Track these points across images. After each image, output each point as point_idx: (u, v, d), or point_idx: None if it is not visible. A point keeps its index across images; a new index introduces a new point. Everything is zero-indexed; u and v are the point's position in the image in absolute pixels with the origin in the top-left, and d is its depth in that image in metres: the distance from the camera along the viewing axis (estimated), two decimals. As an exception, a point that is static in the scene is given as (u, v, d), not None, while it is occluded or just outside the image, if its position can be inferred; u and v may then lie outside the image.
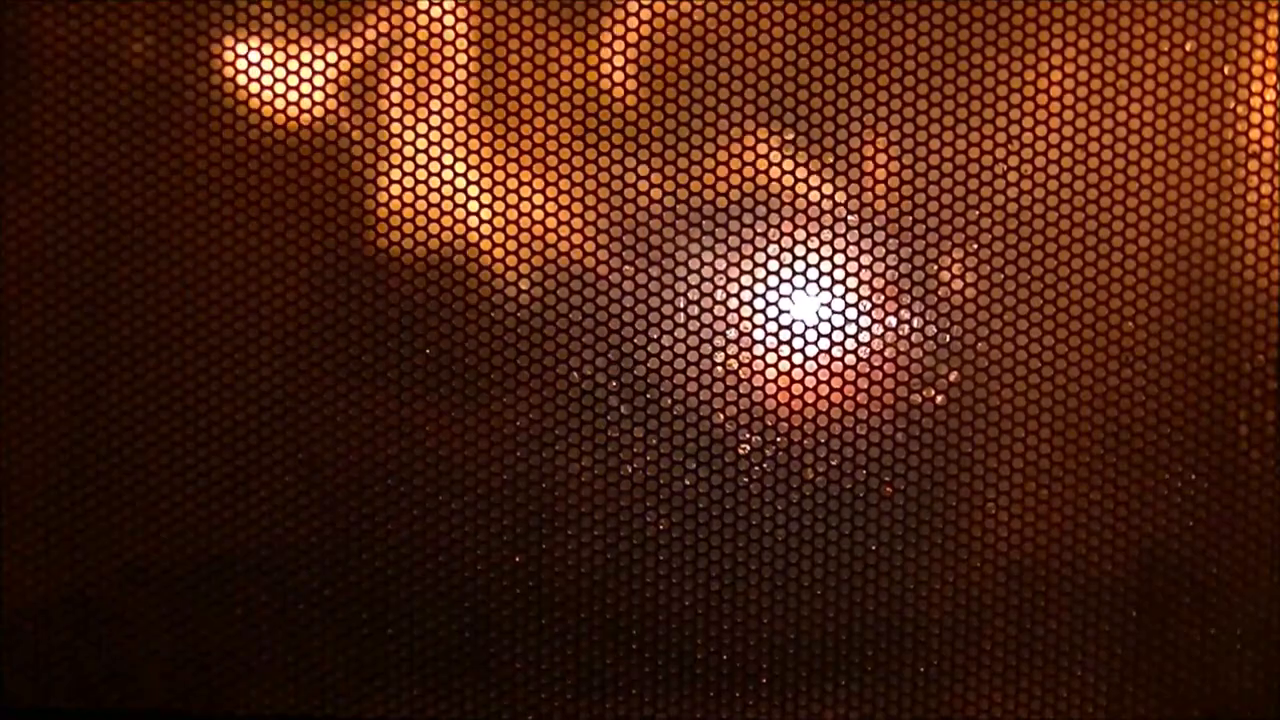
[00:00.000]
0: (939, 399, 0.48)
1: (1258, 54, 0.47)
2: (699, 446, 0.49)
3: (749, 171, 0.48)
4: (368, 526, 0.50)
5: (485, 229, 0.49)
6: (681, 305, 0.48)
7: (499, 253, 0.49)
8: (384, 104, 0.49)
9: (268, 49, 0.49)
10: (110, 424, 0.50)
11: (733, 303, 0.48)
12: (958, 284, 0.48)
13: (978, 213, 0.47)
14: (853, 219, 0.48)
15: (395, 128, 0.49)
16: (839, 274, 0.48)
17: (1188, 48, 0.47)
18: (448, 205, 0.49)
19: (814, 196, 0.48)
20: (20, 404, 0.50)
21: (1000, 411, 0.48)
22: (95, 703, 0.51)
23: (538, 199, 0.48)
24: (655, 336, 0.48)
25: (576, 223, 0.48)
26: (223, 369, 0.49)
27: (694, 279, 0.48)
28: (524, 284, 0.49)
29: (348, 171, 0.49)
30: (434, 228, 0.49)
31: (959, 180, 0.47)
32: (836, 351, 0.48)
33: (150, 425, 0.50)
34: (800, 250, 0.48)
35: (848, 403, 0.48)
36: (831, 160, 0.47)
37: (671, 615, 0.49)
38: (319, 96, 0.49)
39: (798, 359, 0.48)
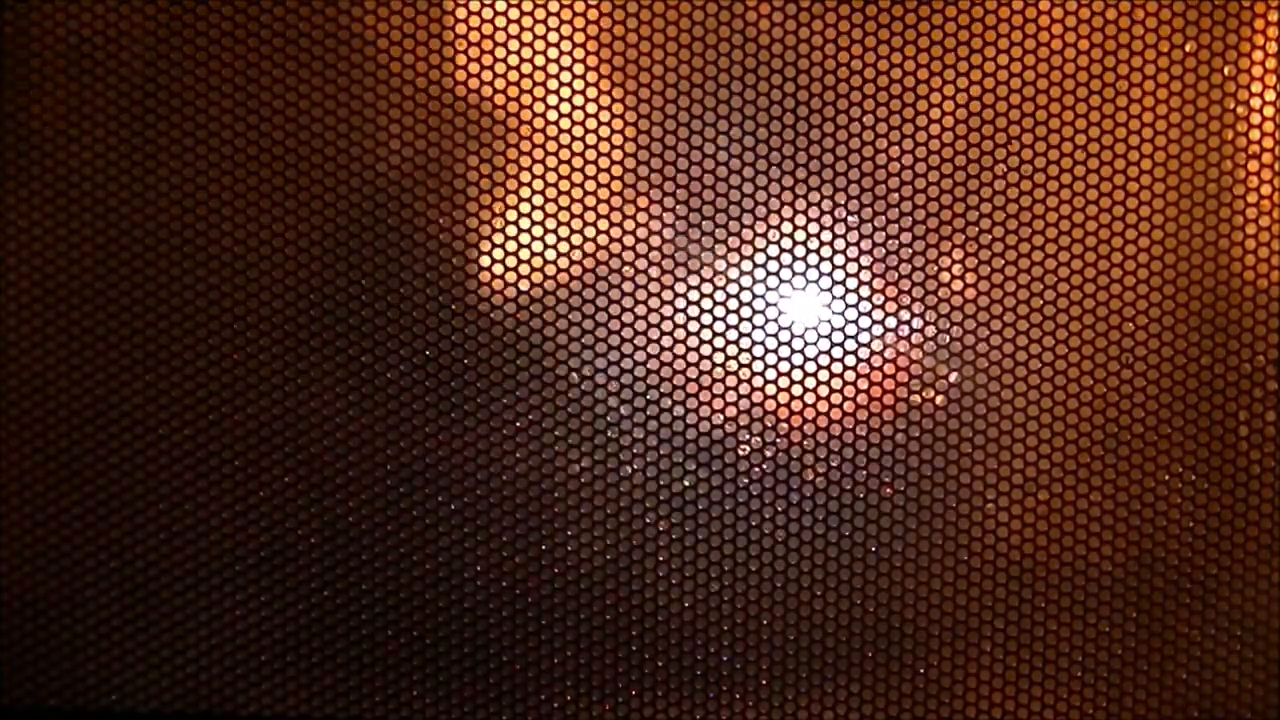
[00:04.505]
0: (939, 399, 0.48)
1: (1258, 54, 0.47)
2: (699, 447, 0.49)
3: (749, 172, 0.48)
4: (367, 526, 0.50)
5: (485, 229, 0.49)
6: (681, 305, 0.48)
7: (499, 253, 0.49)
8: (382, 104, 0.49)
9: (266, 49, 0.49)
10: (110, 424, 0.50)
11: (733, 303, 0.48)
12: (958, 284, 0.48)
13: (978, 213, 0.47)
14: (853, 219, 0.48)
15: (394, 128, 0.49)
16: (839, 274, 0.48)
17: (1188, 48, 0.47)
18: (446, 206, 0.49)
19: (814, 197, 0.48)
20: (19, 404, 0.50)
21: (1000, 412, 0.48)
22: (94, 702, 0.51)
23: (537, 199, 0.48)
24: (655, 337, 0.48)
25: (576, 223, 0.48)
26: (222, 369, 0.49)
27: (694, 279, 0.48)
28: (524, 284, 0.49)
29: (347, 173, 0.49)
30: (433, 228, 0.49)
31: (959, 180, 0.47)
32: (836, 352, 0.48)
33: (150, 425, 0.50)
34: (800, 250, 0.48)
35: (848, 403, 0.48)
36: (831, 161, 0.47)
37: (671, 615, 0.49)
38: (317, 97, 0.49)
39: (797, 359, 0.48)
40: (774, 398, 0.48)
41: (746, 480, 0.49)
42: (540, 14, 0.48)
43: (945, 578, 0.49)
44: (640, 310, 0.48)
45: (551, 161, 0.48)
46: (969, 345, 0.48)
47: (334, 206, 0.49)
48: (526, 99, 0.48)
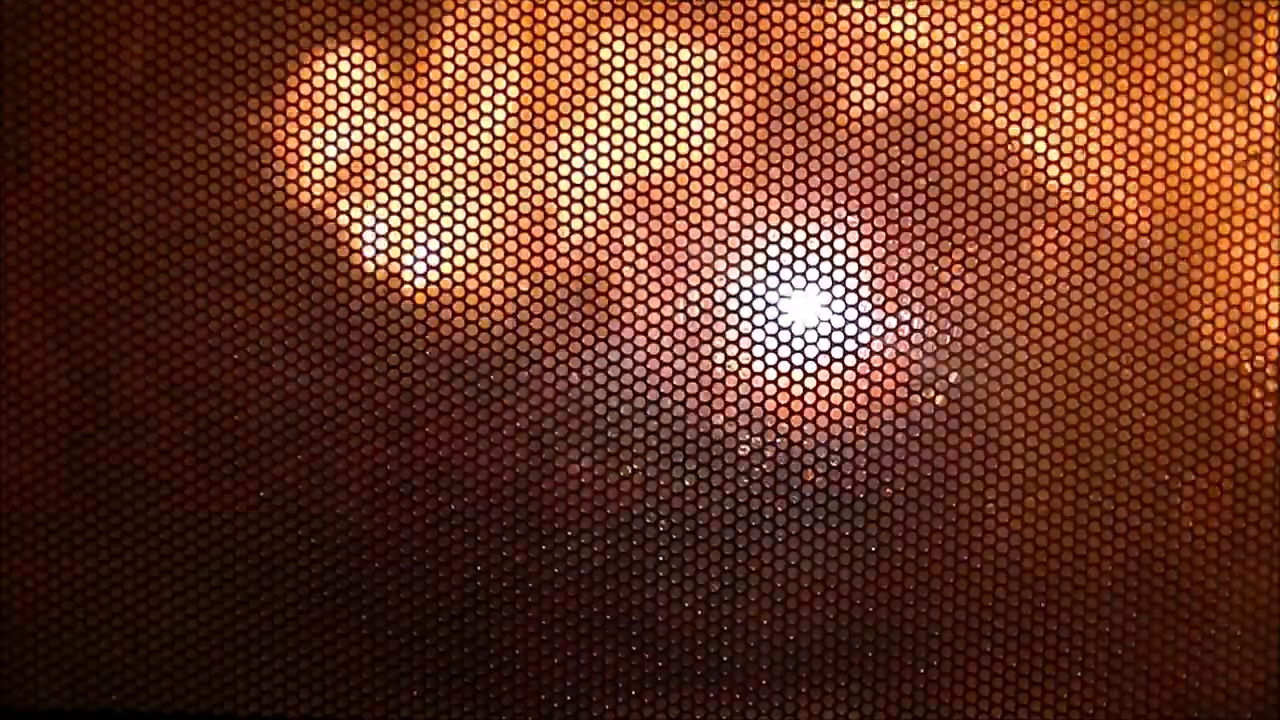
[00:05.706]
0: (939, 399, 0.48)
1: (1258, 54, 0.47)
2: (699, 447, 0.49)
3: (749, 172, 0.48)
4: (368, 527, 0.50)
5: (484, 229, 0.49)
6: (681, 305, 0.48)
7: (498, 253, 0.49)
8: (382, 105, 0.49)
9: (267, 50, 0.49)
10: (110, 424, 0.50)
11: (733, 303, 0.48)
12: (958, 284, 0.48)
13: (978, 213, 0.47)
14: (853, 219, 0.48)
15: (396, 127, 0.49)
16: (839, 274, 0.48)
17: (1188, 48, 0.47)
18: (447, 206, 0.49)
19: (814, 197, 0.48)
20: (20, 403, 0.50)
21: (1000, 412, 0.48)
22: (94, 703, 0.51)
23: (537, 199, 0.48)
24: (655, 337, 0.48)
25: (576, 224, 0.48)
26: (222, 369, 0.50)
27: (694, 279, 0.48)
28: (524, 284, 0.49)
29: (348, 172, 0.49)
30: (433, 229, 0.49)
31: (959, 180, 0.47)
32: (836, 352, 0.48)
33: (150, 425, 0.50)
34: (800, 250, 0.48)
35: (847, 403, 0.48)
36: (831, 161, 0.47)
37: (671, 615, 0.49)
38: (318, 98, 0.49)
39: (797, 360, 0.48)
40: (774, 398, 0.48)
41: (746, 480, 0.49)
42: (540, 14, 0.48)
43: (945, 578, 0.49)
44: (640, 310, 0.48)
45: (551, 161, 0.48)
46: (969, 345, 0.48)
47: (334, 206, 0.49)
48: (527, 99, 0.48)
